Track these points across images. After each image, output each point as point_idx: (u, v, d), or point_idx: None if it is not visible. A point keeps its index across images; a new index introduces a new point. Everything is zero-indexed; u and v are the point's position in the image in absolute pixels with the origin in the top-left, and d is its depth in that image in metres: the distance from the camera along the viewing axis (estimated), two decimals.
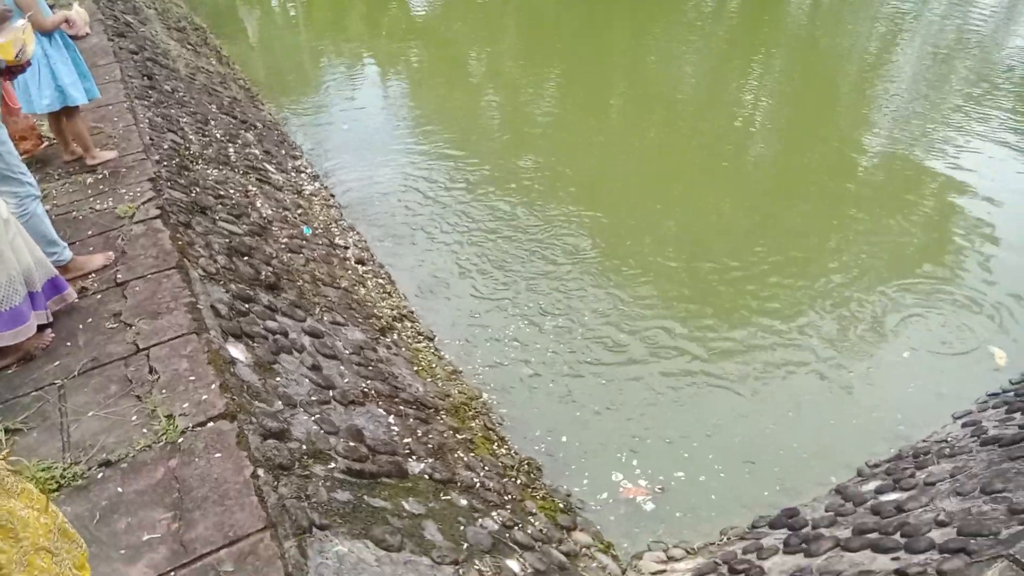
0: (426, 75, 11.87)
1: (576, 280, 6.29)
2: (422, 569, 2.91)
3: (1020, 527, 3.06)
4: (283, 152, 8.24)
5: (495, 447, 4.49)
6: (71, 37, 4.86)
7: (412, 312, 5.92)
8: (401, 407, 4.21)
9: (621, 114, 10.26)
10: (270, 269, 4.89)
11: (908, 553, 3.26)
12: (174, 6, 13.35)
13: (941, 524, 3.38)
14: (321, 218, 6.94)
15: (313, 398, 3.72)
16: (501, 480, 4.05)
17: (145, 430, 3.06)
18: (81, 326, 3.68)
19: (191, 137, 6.57)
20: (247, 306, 4.20)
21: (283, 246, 5.54)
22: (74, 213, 4.71)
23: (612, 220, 7.16)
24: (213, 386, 3.29)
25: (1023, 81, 10.34)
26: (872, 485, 4.19)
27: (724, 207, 7.47)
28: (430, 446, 3.95)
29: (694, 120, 9.85)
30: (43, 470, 2.83)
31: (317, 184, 7.85)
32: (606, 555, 3.92)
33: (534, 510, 3.94)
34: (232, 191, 5.95)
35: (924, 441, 4.74)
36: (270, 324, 4.15)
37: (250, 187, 6.33)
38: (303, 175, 7.93)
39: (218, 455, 2.96)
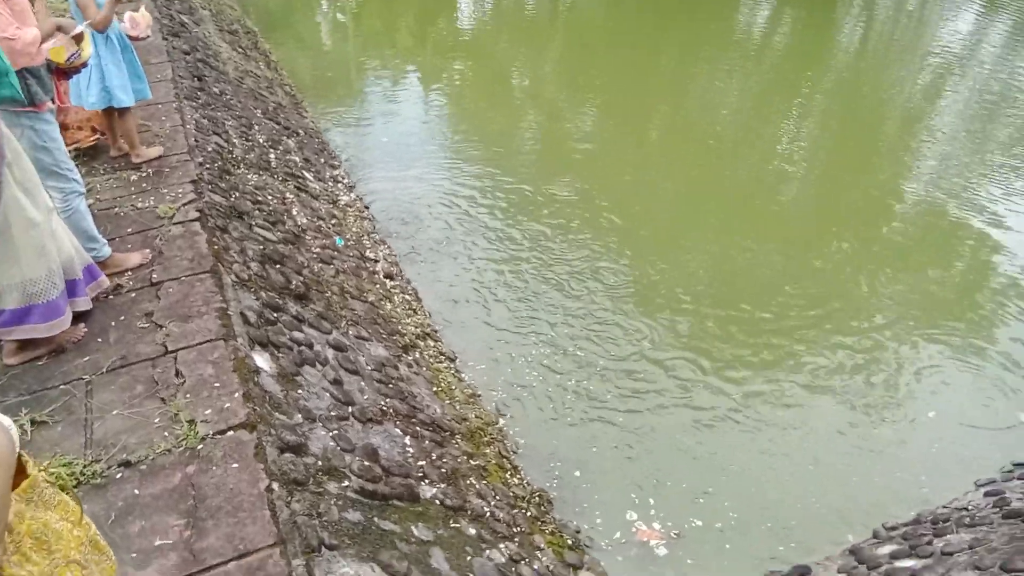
0: (468, 92, 11.98)
1: (604, 313, 6.27)
2: None
3: None
4: (322, 161, 8.36)
5: (508, 476, 4.48)
6: (131, 38, 4.99)
7: (436, 331, 5.95)
8: (418, 428, 4.22)
9: (659, 145, 10.27)
10: (301, 279, 4.95)
11: None
12: (228, 8, 13.64)
13: None
14: (354, 229, 7.01)
15: (332, 413, 3.74)
16: (511, 511, 4.04)
17: (166, 433, 3.10)
18: (113, 323, 3.75)
19: (235, 141, 6.70)
20: (276, 315, 4.25)
21: (315, 256, 5.61)
22: (116, 209, 4.81)
23: (644, 253, 7.14)
24: (236, 394, 3.33)
25: None
26: (887, 549, 4.11)
27: (755, 248, 7.42)
28: (443, 471, 3.95)
29: (731, 157, 9.82)
30: (64, 465, 2.88)
31: (353, 195, 7.94)
32: None
33: (542, 545, 3.92)
34: (270, 197, 6.04)
35: (944, 507, 4.64)
36: (296, 335, 4.20)
37: (288, 194, 6.43)
38: (340, 185, 8.03)
39: (235, 465, 2.99)
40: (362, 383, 4.29)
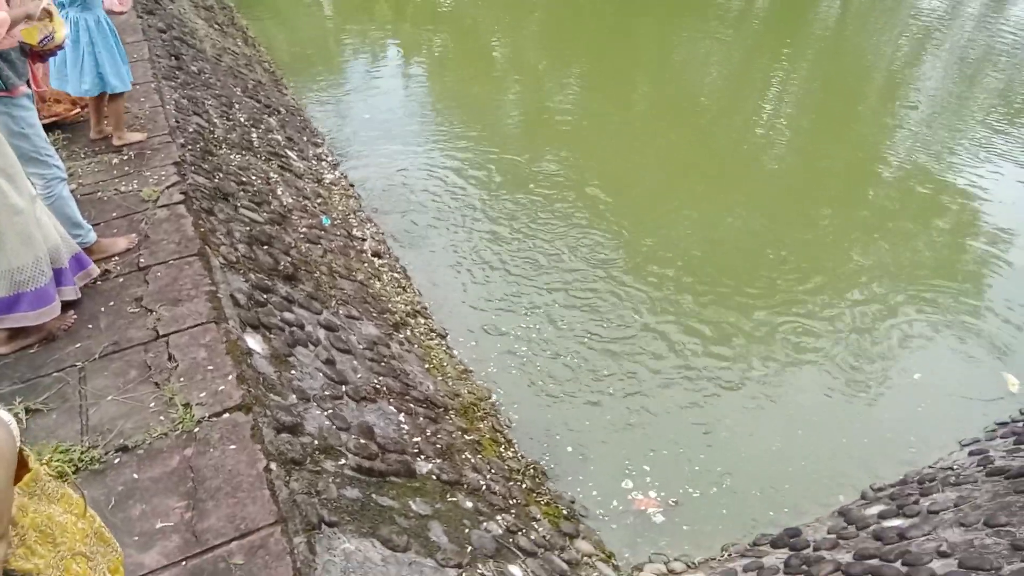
0: (450, 64, 11.87)
1: (592, 285, 6.30)
2: (426, 571, 2.95)
3: (1023, 564, 3.07)
4: (305, 139, 8.28)
5: (502, 450, 4.53)
6: (116, 13, 4.88)
7: (426, 308, 5.96)
8: (412, 405, 4.25)
9: (643, 115, 10.24)
10: (289, 259, 4.93)
11: None
12: None
13: (943, 555, 3.39)
14: (340, 208, 6.98)
15: (326, 393, 3.76)
16: (507, 484, 4.09)
17: (162, 417, 3.11)
18: (103, 309, 3.73)
19: (216, 121, 6.62)
20: (265, 296, 4.25)
21: (302, 236, 5.58)
22: (99, 194, 4.76)
23: (630, 224, 7.16)
24: (230, 377, 3.34)
25: None
26: (875, 509, 4.21)
27: (741, 214, 7.46)
28: (439, 446, 3.99)
29: (714, 125, 9.83)
30: (61, 452, 2.89)
31: (337, 173, 7.88)
32: (607, 564, 3.96)
33: (538, 516, 3.98)
34: (254, 178, 5.99)
35: (930, 467, 4.75)
36: (287, 316, 4.20)
37: (272, 174, 6.38)
38: (324, 163, 7.97)
39: (232, 446, 3.00)
40: (355, 362, 4.30)
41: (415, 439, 3.92)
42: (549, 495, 4.32)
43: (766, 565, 3.82)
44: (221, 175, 5.52)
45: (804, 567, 3.68)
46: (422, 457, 3.80)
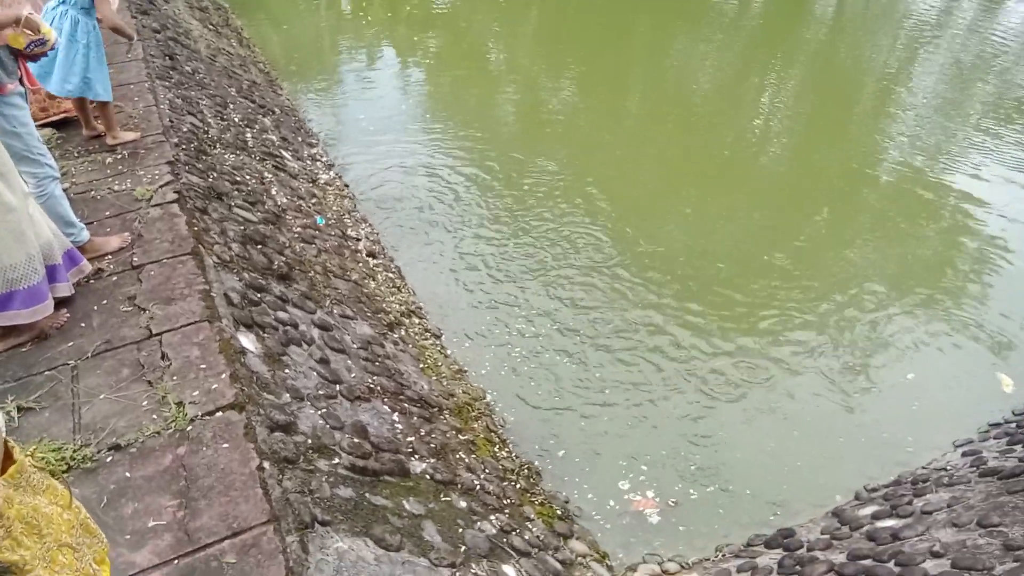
0: (445, 66, 11.87)
1: (587, 284, 6.30)
2: (420, 570, 2.94)
3: (1015, 564, 3.08)
4: (299, 139, 8.27)
5: (496, 449, 4.53)
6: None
7: (420, 308, 5.95)
8: (406, 405, 4.24)
9: (637, 117, 10.27)
10: (283, 259, 4.92)
11: None
12: None
13: (936, 555, 3.40)
14: (334, 208, 6.97)
15: (320, 392, 3.75)
16: (501, 483, 4.09)
17: (155, 416, 3.10)
18: (96, 308, 3.71)
19: (210, 120, 6.61)
20: (259, 295, 4.23)
21: (296, 235, 5.57)
22: (92, 193, 4.74)
23: (625, 226, 7.17)
24: (223, 375, 3.32)
25: None
26: (869, 510, 4.21)
27: (737, 217, 7.47)
28: (433, 446, 3.98)
29: (709, 127, 9.85)
30: (54, 451, 2.88)
31: (332, 173, 7.87)
32: (601, 564, 3.95)
33: (532, 516, 3.98)
34: (248, 177, 5.98)
35: (924, 468, 4.76)
36: (281, 315, 4.19)
37: (266, 174, 6.37)
38: (318, 163, 7.96)
39: (225, 445, 2.99)
40: (349, 361, 4.29)
41: (409, 438, 3.91)
42: (543, 495, 4.31)
43: (760, 565, 3.82)
44: (215, 174, 5.50)
45: (798, 567, 3.68)
46: (416, 456, 3.79)
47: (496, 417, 4.94)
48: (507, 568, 3.32)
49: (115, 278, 3.95)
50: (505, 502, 3.95)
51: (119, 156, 5.18)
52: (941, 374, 5.60)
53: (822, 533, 4.13)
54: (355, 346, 4.55)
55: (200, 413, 3.12)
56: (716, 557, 4.13)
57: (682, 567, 4.03)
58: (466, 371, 5.33)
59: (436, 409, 4.48)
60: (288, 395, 3.52)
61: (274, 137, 7.63)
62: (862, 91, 11.18)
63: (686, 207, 7.62)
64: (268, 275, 4.61)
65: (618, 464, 4.70)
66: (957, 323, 6.10)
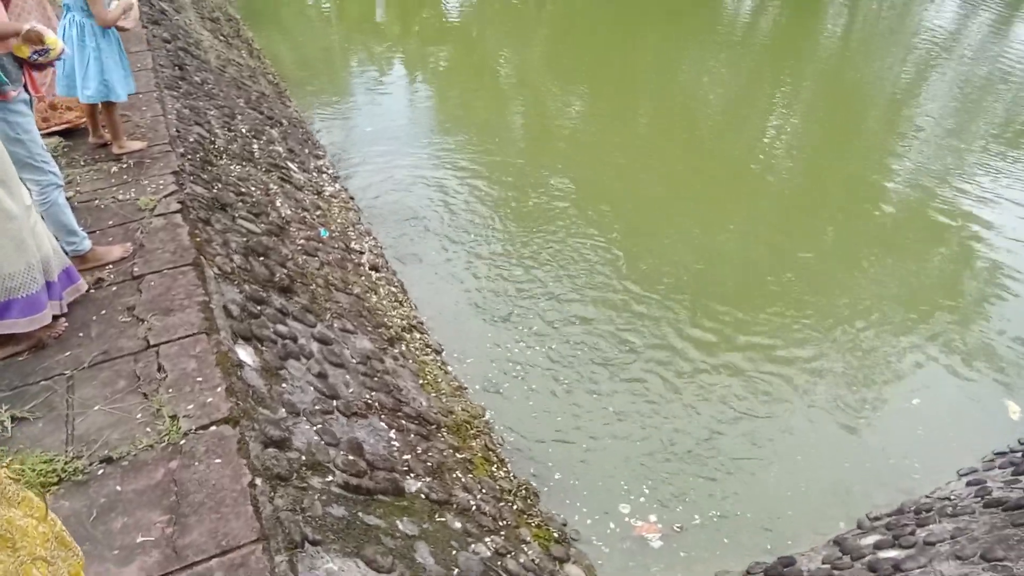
0: (455, 80, 11.92)
1: (591, 303, 6.27)
2: None
3: None
4: (306, 151, 8.29)
5: (494, 469, 4.48)
6: (118, 28, 4.89)
7: (422, 323, 5.92)
8: (403, 421, 4.20)
9: (646, 133, 10.27)
10: (285, 271, 4.91)
11: None
12: None
13: None
14: (339, 221, 6.96)
15: (316, 407, 3.72)
16: (497, 504, 4.04)
17: (149, 429, 3.07)
18: (95, 318, 3.70)
19: (217, 131, 6.62)
20: (259, 308, 4.22)
21: (299, 248, 5.56)
22: (96, 202, 4.74)
23: (633, 242, 7.15)
24: (219, 389, 3.30)
25: None
26: (871, 539, 4.15)
27: (743, 233, 7.44)
28: (429, 464, 3.94)
29: (717, 143, 9.84)
30: (45, 462, 2.85)
31: (338, 185, 7.88)
32: None
33: (528, 538, 3.93)
34: (253, 188, 5.98)
35: (927, 497, 4.69)
36: (280, 328, 4.17)
37: (271, 185, 6.37)
38: (324, 175, 7.97)
39: (218, 460, 2.96)
40: (347, 376, 4.26)
41: (405, 456, 3.87)
42: (540, 517, 4.25)
43: None
44: (220, 185, 5.51)
45: None
46: (411, 475, 3.75)
47: (495, 436, 4.90)
48: None
49: (115, 288, 3.94)
50: (501, 524, 3.90)
51: (124, 165, 5.19)
52: (947, 400, 5.54)
53: (823, 562, 4.06)
54: (354, 361, 4.52)
55: (194, 427, 3.09)
56: None
57: None
58: (466, 388, 5.29)
59: (434, 426, 4.44)
60: (284, 410, 3.49)
61: (281, 149, 7.64)
62: (871, 109, 11.16)
63: (693, 224, 7.59)
64: (269, 287, 4.59)
65: (619, 486, 4.65)
66: (964, 348, 6.03)
